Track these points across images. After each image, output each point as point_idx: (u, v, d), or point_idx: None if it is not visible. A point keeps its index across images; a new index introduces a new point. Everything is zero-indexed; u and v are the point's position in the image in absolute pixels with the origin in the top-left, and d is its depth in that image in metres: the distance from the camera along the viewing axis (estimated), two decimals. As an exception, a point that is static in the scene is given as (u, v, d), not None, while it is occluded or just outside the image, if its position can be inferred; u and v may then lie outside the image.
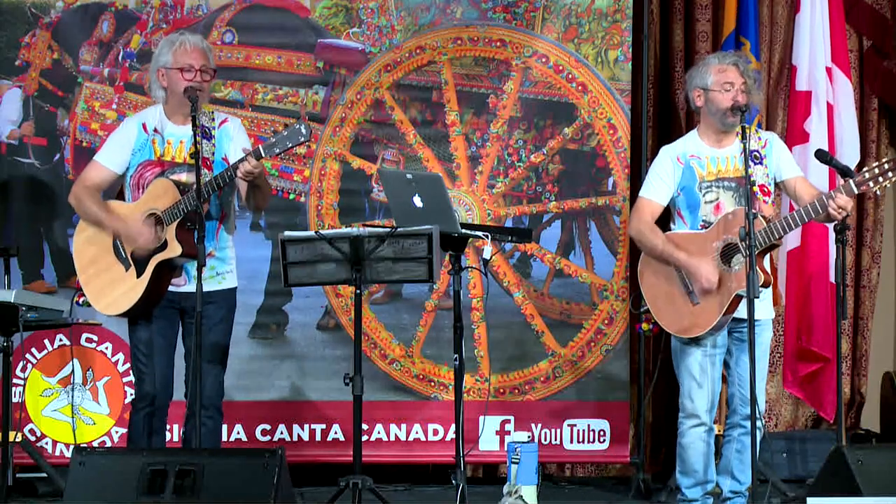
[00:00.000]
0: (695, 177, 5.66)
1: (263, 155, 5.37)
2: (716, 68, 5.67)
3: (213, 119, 5.69)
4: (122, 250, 5.61)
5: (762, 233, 5.46)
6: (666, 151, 5.78)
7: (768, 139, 5.74)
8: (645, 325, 5.72)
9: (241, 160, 5.39)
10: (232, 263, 5.71)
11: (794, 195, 5.72)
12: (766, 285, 5.51)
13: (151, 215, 5.53)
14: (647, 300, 5.67)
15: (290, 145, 5.36)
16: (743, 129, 5.47)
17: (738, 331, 5.64)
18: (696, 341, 5.61)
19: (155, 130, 5.66)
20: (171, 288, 5.59)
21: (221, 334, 5.66)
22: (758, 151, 5.65)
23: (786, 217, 5.54)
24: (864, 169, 5.54)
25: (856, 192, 5.46)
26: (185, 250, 5.47)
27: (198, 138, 5.41)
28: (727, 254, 5.53)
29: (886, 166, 5.43)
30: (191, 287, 5.47)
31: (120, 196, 5.73)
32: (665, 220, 5.81)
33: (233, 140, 5.66)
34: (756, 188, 5.60)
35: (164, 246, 5.50)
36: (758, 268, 5.43)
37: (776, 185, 5.73)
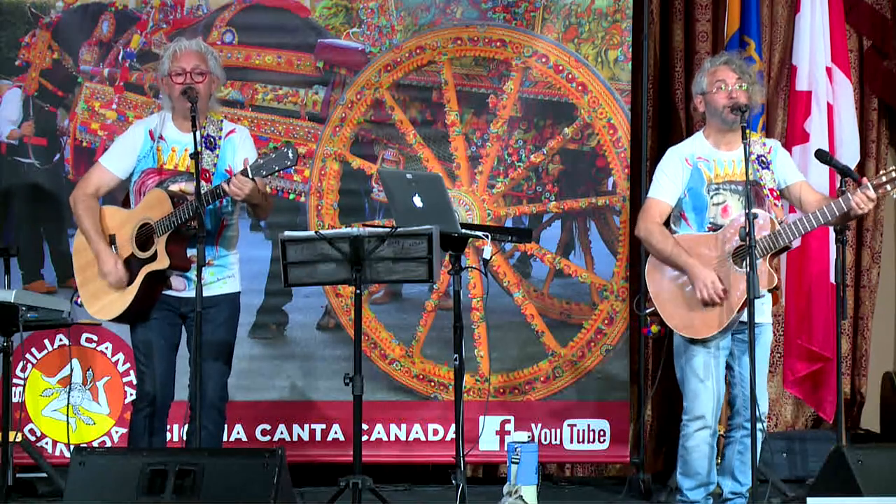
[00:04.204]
0: (702, 179, 5.66)
1: (250, 175, 5.38)
2: (708, 71, 5.73)
3: (221, 129, 5.68)
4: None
5: (773, 236, 5.47)
6: (674, 152, 5.78)
7: (772, 146, 5.77)
8: (654, 328, 5.69)
9: (227, 181, 5.40)
10: (233, 269, 5.71)
11: (798, 200, 5.73)
12: (776, 287, 5.54)
13: (132, 256, 5.53)
14: (656, 301, 5.62)
15: (277, 168, 5.37)
16: (743, 129, 5.48)
17: (740, 332, 5.64)
18: (702, 342, 5.60)
19: (160, 137, 5.67)
20: (171, 293, 5.60)
21: (224, 337, 5.66)
22: (764, 157, 5.67)
23: (800, 219, 5.54)
24: (881, 172, 5.55)
25: (873, 194, 5.48)
26: (173, 263, 5.48)
27: (198, 138, 5.41)
28: (739, 254, 5.52)
29: None
30: (191, 292, 5.47)
31: (126, 201, 5.73)
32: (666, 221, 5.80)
33: (238, 151, 5.66)
34: (766, 192, 5.63)
35: (154, 257, 5.50)
36: (770, 268, 5.51)
37: (780, 191, 5.75)
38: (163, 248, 5.47)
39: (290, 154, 5.33)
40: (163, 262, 5.48)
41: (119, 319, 5.64)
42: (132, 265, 5.56)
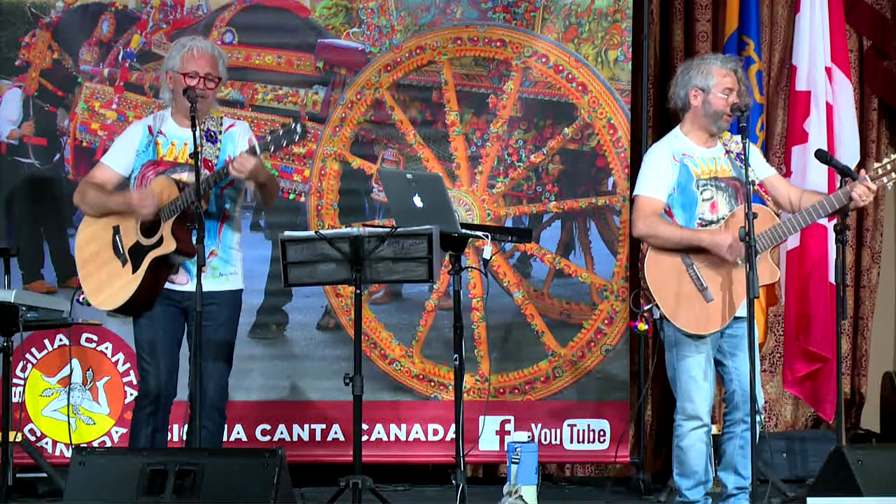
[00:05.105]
0: (691, 175, 5.65)
1: (258, 153, 5.38)
2: (719, 72, 5.65)
3: (221, 124, 5.71)
4: (120, 246, 5.61)
5: (773, 230, 5.49)
6: (661, 149, 5.74)
7: (744, 143, 5.76)
8: (641, 325, 5.67)
9: (232, 160, 5.41)
10: (237, 265, 5.71)
11: (776, 191, 5.73)
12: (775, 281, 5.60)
13: (137, 244, 5.53)
14: (659, 299, 5.58)
15: (285, 143, 5.35)
16: (743, 128, 5.48)
17: (729, 327, 5.63)
18: (697, 340, 5.59)
19: (160, 132, 5.68)
20: (174, 287, 5.59)
21: (225, 336, 5.66)
22: (741, 154, 5.65)
23: (799, 213, 5.55)
24: (876, 165, 5.57)
25: (874, 186, 5.51)
26: (179, 247, 5.46)
27: (199, 136, 5.41)
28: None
29: None
30: (193, 286, 5.46)
31: None
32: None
33: (237, 143, 5.66)
34: (757, 187, 5.64)
35: (159, 242, 5.50)
36: (772, 263, 5.57)
37: None
38: (168, 232, 5.47)
39: (297, 128, 5.33)
40: (169, 246, 5.48)
41: (124, 309, 5.61)
42: (138, 253, 5.56)
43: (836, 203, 5.52)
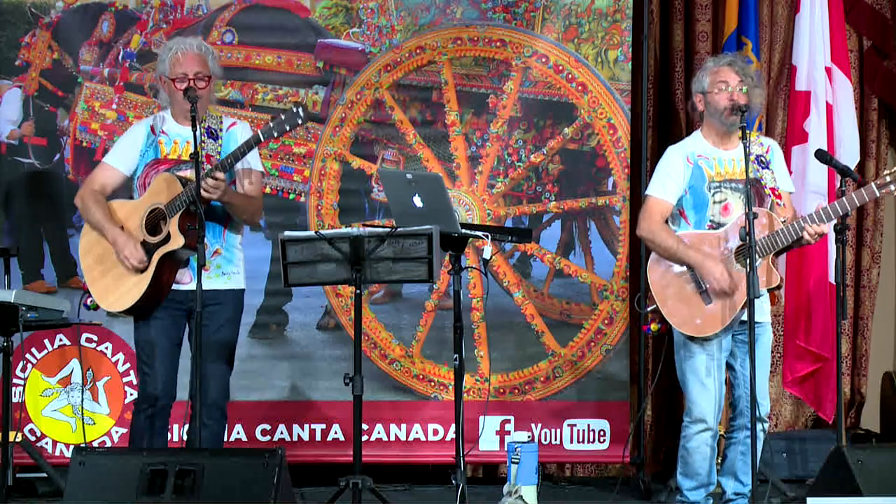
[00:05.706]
0: (704, 177, 5.66)
1: (262, 139, 5.42)
2: (711, 71, 5.72)
3: (221, 122, 5.73)
4: None
5: (771, 237, 5.49)
6: (675, 150, 5.77)
7: (770, 146, 5.78)
8: (654, 326, 5.68)
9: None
10: (239, 265, 5.72)
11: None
12: (779, 286, 5.58)
13: (143, 242, 5.54)
14: (658, 300, 5.62)
15: (289, 128, 5.40)
16: (743, 130, 5.48)
17: (741, 333, 5.64)
18: (703, 342, 5.59)
19: (162, 132, 5.71)
20: (178, 287, 5.60)
21: (227, 336, 5.67)
22: (763, 157, 5.67)
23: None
24: (885, 172, 5.58)
25: (878, 195, 5.56)
26: (187, 241, 5.47)
27: (201, 137, 5.43)
28: (741, 253, 5.52)
29: None
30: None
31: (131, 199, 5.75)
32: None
33: (240, 142, 5.66)
34: (768, 191, 5.63)
35: (167, 239, 5.51)
36: (772, 266, 5.55)
37: None
38: (175, 227, 5.48)
39: (300, 112, 5.36)
40: (177, 241, 5.48)
41: (135, 310, 5.61)
42: (145, 252, 5.56)
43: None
